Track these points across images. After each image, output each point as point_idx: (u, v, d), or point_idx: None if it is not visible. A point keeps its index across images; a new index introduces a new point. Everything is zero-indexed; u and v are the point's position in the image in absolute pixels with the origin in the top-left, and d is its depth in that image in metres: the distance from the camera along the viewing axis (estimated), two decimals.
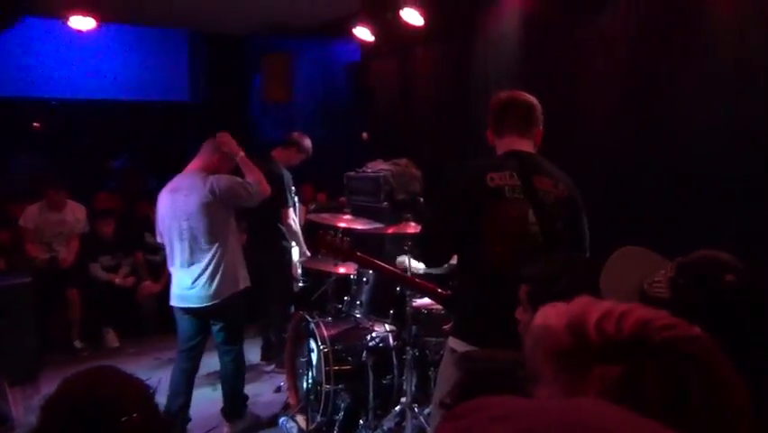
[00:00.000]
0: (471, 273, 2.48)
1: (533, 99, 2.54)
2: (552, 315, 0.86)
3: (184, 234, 3.75)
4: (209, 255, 3.76)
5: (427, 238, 2.62)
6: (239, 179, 3.86)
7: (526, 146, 2.49)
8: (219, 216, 3.77)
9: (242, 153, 3.92)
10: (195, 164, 3.90)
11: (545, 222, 2.39)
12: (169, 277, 5.93)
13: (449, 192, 2.55)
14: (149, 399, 1.26)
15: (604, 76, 4.12)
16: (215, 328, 3.94)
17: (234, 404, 4.12)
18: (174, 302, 3.89)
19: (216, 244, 3.76)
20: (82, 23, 5.44)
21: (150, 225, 6.28)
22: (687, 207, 3.57)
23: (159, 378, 1.34)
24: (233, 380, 4.08)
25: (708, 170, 3.45)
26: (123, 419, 1.15)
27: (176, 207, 3.75)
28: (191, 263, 3.77)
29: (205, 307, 3.80)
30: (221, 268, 3.77)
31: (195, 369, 3.96)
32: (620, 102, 4.02)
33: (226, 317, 3.91)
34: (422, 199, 5.33)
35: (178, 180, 3.85)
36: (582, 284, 1.65)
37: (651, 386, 0.75)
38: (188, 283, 3.79)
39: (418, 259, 3.44)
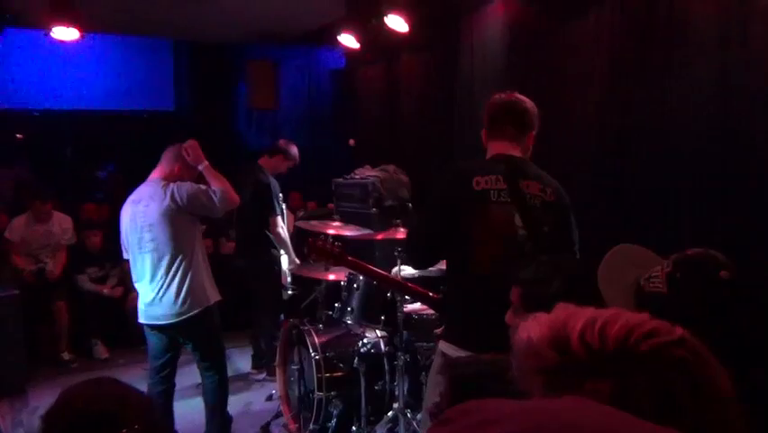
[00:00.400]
0: (459, 277, 2.49)
1: (528, 104, 2.54)
2: (533, 330, 0.85)
3: (146, 247, 3.53)
4: (174, 268, 3.52)
5: (413, 240, 2.65)
6: (202, 187, 3.62)
7: (516, 151, 2.51)
8: (182, 226, 3.54)
9: (206, 163, 3.69)
10: (155, 173, 3.67)
11: (532, 226, 2.40)
12: None
13: (435, 194, 2.56)
14: (149, 410, 1.25)
15: (589, 80, 4.15)
16: (189, 347, 3.73)
17: (215, 426, 3.82)
18: (141, 319, 3.66)
19: (181, 256, 3.53)
20: (65, 33, 5.40)
21: None
22: (672, 208, 3.61)
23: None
24: (214, 399, 3.80)
25: (694, 172, 3.49)
26: (123, 432, 1.14)
27: (136, 218, 3.55)
28: (155, 277, 3.54)
29: (173, 323, 3.57)
30: (187, 281, 3.53)
31: (170, 389, 3.74)
32: (606, 106, 4.06)
33: (197, 333, 3.66)
34: (410, 205, 5.35)
35: (139, 191, 3.64)
36: (575, 285, 1.67)
37: (641, 397, 0.76)
38: (154, 299, 3.56)
39: (407, 260, 3.45)
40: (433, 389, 2.54)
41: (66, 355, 5.77)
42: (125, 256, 3.72)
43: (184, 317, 3.55)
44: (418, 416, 3.70)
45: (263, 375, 5.22)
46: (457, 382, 1.41)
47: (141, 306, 3.65)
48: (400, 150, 6.09)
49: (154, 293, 3.55)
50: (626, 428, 0.70)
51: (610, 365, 0.78)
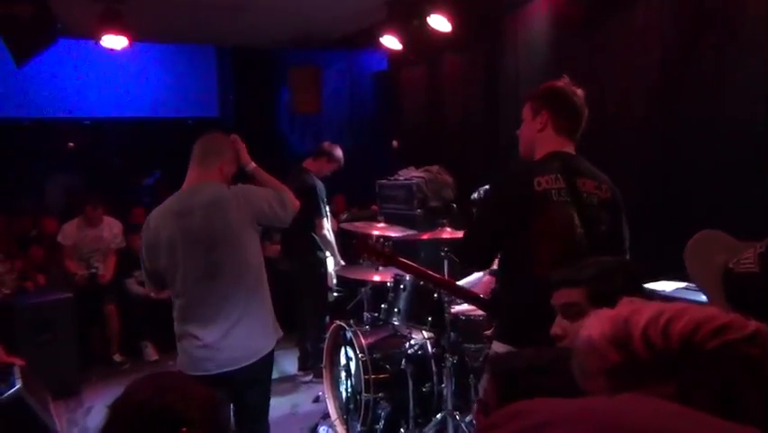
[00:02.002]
0: (518, 277, 2.43)
1: (586, 107, 2.46)
2: (595, 327, 0.83)
3: (209, 273, 2.69)
4: (247, 297, 2.73)
5: (471, 241, 2.57)
6: (269, 190, 2.90)
7: (570, 148, 2.45)
8: (252, 241, 2.78)
9: (253, 163, 3.00)
10: (200, 176, 2.83)
11: (589, 225, 2.35)
12: None
13: (494, 196, 2.50)
14: (214, 411, 1.25)
15: (636, 75, 4.06)
16: (242, 395, 2.79)
17: None
18: (195, 370, 2.70)
19: (255, 281, 2.78)
20: (115, 41, 5.54)
21: None
22: (724, 209, 3.49)
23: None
24: None
25: (747, 172, 3.38)
26: (183, 429, 1.15)
27: (190, 234, 2.70)
28: (223, 312, 2.70)
29: (243, 368, 2.71)
30: (263, 312, 2.79)
31: None
32: (654, 104, 3.96)
33: (261, 377, 2.84)
34: (455, 206, 5.31)
35: (183, 198, 2.81)
36: (636, 280, 1.65)
37: (704, 397, 0.73)
38: (220, 341, 2.69)
39: (461, 262, 3.38)
40: None
41: (117, 357, 5.90)
42: (154, 294, 2.86)
43: (257, 358, 2.74)
44: (467, 418, 3.66)
45: (310, 377, 5.24)
46: (503, 377, 1.38)
47: (196, 352, 2.73)
48: (444, 150, 6.05)
49: (222, 333, 2.69)
50: (694, 427, 0.66)
51: (675, 365, 0.75)
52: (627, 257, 2.47)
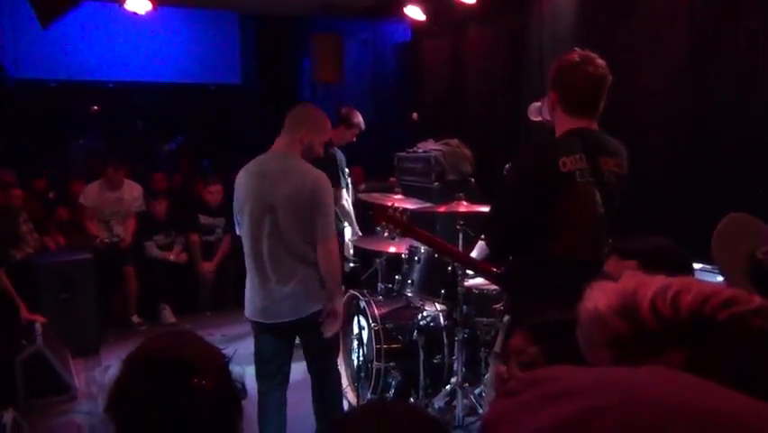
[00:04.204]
0: (540, 259, 2.39)
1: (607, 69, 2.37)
2: (600, 299, 0.83)
3: (271, 233, 3.03)
4: (302, 258, 3.06)
5: (497, 228, 2.51)
6: (334, 212, 3.26)
7: (593, 125, 2.39)
8: (301, 219, 3.04)
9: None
10: (284, 143, 3.14)
11: (608, 203, 2.36)
12: (223, 254, 6.03)
13: (518, 179, 2.46)
14: (222, 366, 1.29)
15: (666, 49, 3.97)
16: (305, 340, 3.30)
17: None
18: (256, 317, 3.17)
19: (293, 248, 3.04)
20: (138, 5, 5.54)
21: (204, 206, 6.41)
22: (743, 185, 3.44)
23: (235, 349, 1.35)
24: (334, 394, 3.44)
25: None
26: (194, 380, 1.19)
27: (257, 195, 3.06)
28: (279, 267, 3.06)
29: (302, 318, 3.09)
30: (315, 273, 3.08)
31: (283, 397, 3.34)
32: (683, 78, 3.88)
33: (317, 328, 3.15)
34: (473, 180, 5.29)
35: (264, 162, 3.12)
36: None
37: (718, 367, 0.73)
38: (276, 293, 3.07)
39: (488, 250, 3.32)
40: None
41: (135, 319, 6.00)
42: (238, 232, 3.28)
43: (306, 314, 3.10)
44: (476, 390, 3.69)
45: None
46: (544, 330, 1.37)
47: (257, 302, 3.13)
48: (465, 124, 6.00)
49: (278, 286, 3.06)
50: (722, 402, 0.66)
51: (685, 334, 0.75)
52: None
